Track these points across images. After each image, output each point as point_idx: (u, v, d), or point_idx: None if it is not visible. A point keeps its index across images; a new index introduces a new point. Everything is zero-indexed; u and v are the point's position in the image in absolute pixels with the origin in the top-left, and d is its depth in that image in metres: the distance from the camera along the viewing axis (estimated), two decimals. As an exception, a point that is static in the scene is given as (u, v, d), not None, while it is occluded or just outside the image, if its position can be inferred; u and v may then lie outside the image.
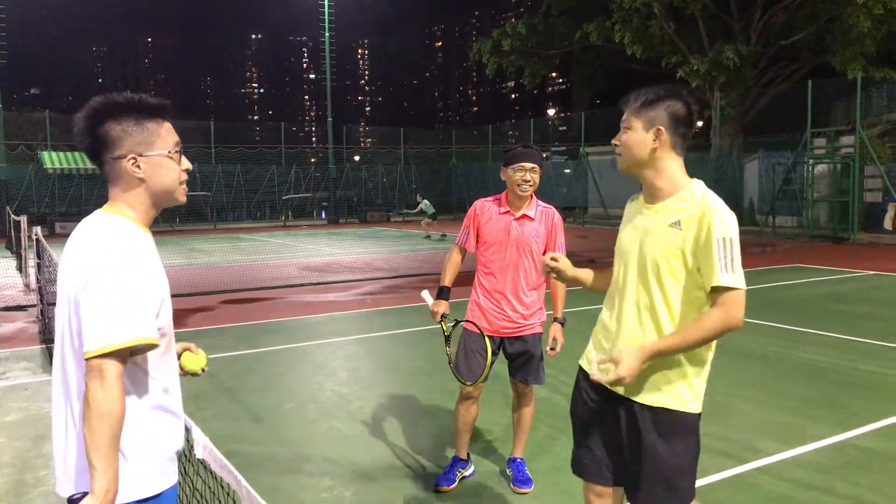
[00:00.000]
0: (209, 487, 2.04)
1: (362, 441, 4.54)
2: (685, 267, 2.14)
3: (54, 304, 6.90)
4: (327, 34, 34.54)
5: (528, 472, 3.86)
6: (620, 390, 2.23)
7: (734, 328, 2.08)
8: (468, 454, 3.94)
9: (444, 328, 3.70)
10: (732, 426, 4.69)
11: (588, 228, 25.47)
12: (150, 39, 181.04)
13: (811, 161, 21.27)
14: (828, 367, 6.24)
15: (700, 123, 40.58)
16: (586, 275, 2.56)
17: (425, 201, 23.11)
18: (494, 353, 3.78)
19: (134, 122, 1.77)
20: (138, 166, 1.76)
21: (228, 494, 1.78)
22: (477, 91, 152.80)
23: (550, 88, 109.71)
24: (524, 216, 3.69)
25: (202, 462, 1.84)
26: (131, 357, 1.65)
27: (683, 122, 2.23)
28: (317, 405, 5.30)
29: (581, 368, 2.46)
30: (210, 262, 15.49)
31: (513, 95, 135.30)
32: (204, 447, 1.80)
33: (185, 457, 2.18)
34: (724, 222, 2.09)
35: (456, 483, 3.80)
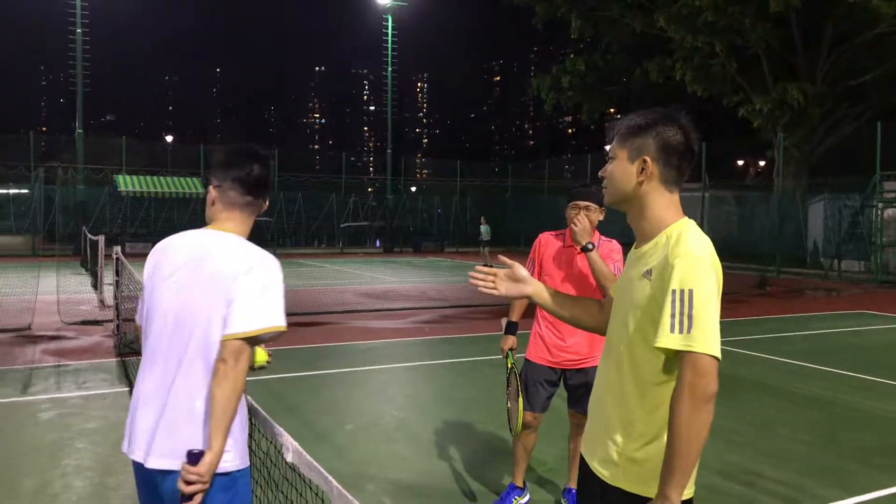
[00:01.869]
0: (296, 489, 2.21)
1: (421, 464, 4.67)
2: (653, 326, 1.74)
3: (130, 319, 7.27)
4: (390, 68, 35.49)
5: None
6: (592, 464, 1.91)
7: (707, 398, 1.63)
8: (524, 482, 4.03)
9: (508, 363, 3.85)
10: (792, 471, 4.64)
11: (644, 266, 25.18)
12: (218, 70, 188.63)
13: (880, 204, 20.65)
14: (894, 418, 6.08)
15: (762, 163, 39.84)
16: (558, 296, 2.18)
17: (486, 226, 23.50)
18: (555, 385, 3.90)
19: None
20: (266, 203, 2.26)
21: (317, 495, 1.95)
22: (534, 125, 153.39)
23: (609, 124, 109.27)
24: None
25: (291, 466, 2.02)
26: (258, 344, 2.05)
27: (677, 151, 1.86)
28: (377, 427, 5.46)
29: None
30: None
31: (570, 130, 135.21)
32: (294, 451, 1.98)
33: (273, 462, 2.37)
34: (690, 270, 1.70)
35: (511, 510, 3.89)
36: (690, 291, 1.68)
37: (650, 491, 1.72)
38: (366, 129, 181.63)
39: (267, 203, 2.24)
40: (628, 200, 1.91)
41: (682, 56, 26.17)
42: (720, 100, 27.23)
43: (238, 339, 1.92)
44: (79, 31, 27.95)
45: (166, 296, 2.07)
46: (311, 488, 2.00)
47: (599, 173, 2.00)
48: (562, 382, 3.90)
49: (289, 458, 2.00)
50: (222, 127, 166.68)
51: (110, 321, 9.66)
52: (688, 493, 1.77)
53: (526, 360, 3.92)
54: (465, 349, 8.91)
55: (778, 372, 7.86)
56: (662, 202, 1.88)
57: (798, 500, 4.15)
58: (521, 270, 2.11)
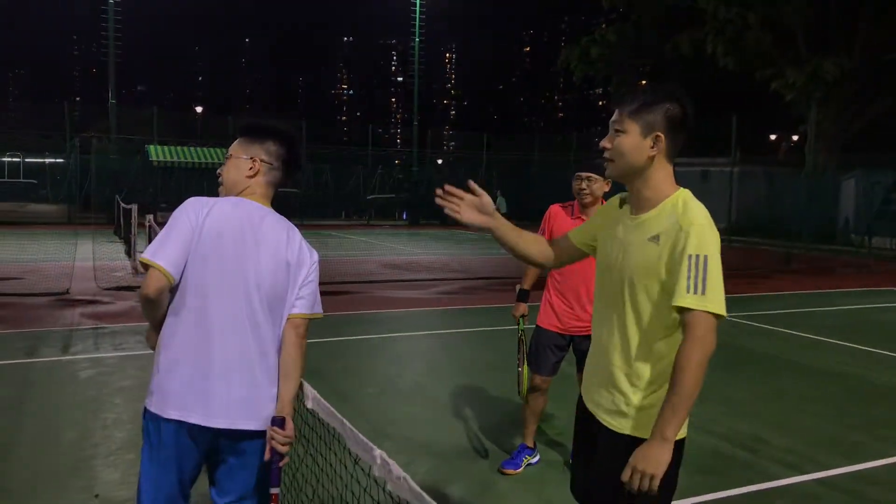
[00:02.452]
0: (316, 433, 2.43)
1: (436, 425, 4.90)
2: (660, 285, 1.93)
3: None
4: (417, 39, 35.35)
5: None
6: (616, 426, 2.03)
7: (710, 351, 1.85)
8: (535, 443, 4.23)
9: (520, 328, 4.05)
10: (797, 439, 4.78)
11: (670, 241, 25.04)
12: (247, 40, 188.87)
13: (913, 181, 20.28)
14: (906, 391, 6.15)
15: (795, 138, 39.11)
16: (512, 231, 2.28)
17: (501, 198, 23.54)
18: (564, 350, 4.08)
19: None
20: None
21: (334, 437, 2.15)
22: (563, 97, 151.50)
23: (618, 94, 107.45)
24: (596, 223, 3.94)
25: (311, 412, 2.23)
26: None
27: (681, 127, 2.01)
28: (396, 391, 5.70)
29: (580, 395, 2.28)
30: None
31: (600, 102, 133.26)
32: (313, 399, 2.19)
33: (295, 410, 2.59)
34: (703, 237, 1.88)
35: (521, 468, 4.10)
36: (705, 257, 1.86)
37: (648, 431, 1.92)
38: (393, 100, 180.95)
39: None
40: (637, 173, 2.02)
41: (713, 28, 25.71)
42: (752, 73, 26.74)
43: (310, 318, 2.27)
44: (111, 1, 28.26)
45: (250, 268, 2.15)
46: (328, 431, 2.20)
47: (602, 144, 2.08)
48: (571, 348, 4.07)
49: (309, 404, 2.21)
50: (251, 97, 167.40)
51: (144, 287, 10.02)
52: (683, 433, 1.97)
53: (536, 325, 4.10)
54: (483, 319, 9.11)
55: (795, 346, 7.94)
56: (664, 174, 2.03)
57: (799, 465, 4.30)
58: (488, 203, 2.19)
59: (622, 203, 2.14)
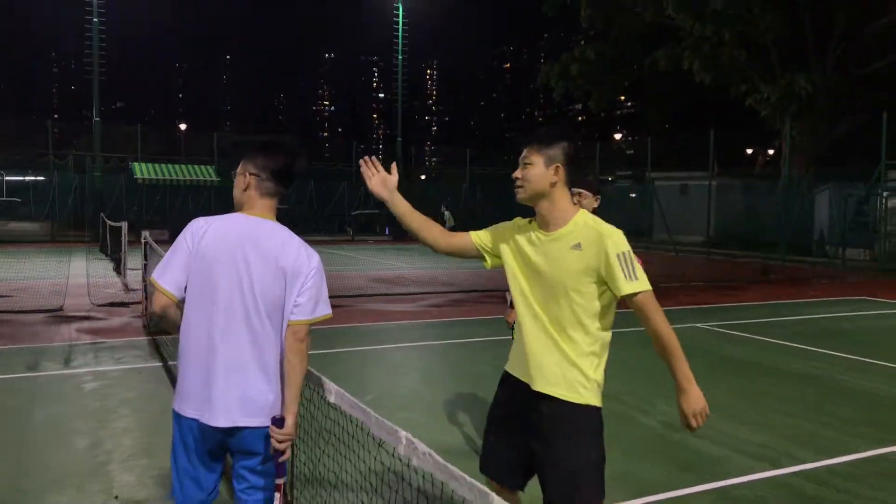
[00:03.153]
0: (338, 424, 2.67)
1: (435, 429, 5.13)
2: (590, 281, 2.42)
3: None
4: (400, 57, 35.76)
5: None
6: (557, 393, 2.43)
7: (664, 316, 2.44)
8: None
9: (514, 334, 4.30)
10: (771, 436, 5.07)
11: (652, 254, 25.49)
12: (228, 57, 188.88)
13: (885, 193, 20.90)
14: (881, 394, 6.47)
15: (771, 151, 39.96)
16: (412, 210, 2.77)
17: (447, 212, 23.84)
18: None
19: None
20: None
21: (357, 426, 2.39)
22: (544, 113, 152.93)
23: (619, 111, 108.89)
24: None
25: (333, 406, 2.46)
26: None
27: (574, 160, 2.54)
28: (393, 398, 5.92)
29: (505, 373, 2.71)
30: (286, 270, 16.45)
31: (580, 118, 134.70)
32: (336, 393, 2.43)
33: (313, 403, 2.83)
34: (619, 240, 2.42)
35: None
36: (627, 252, 2.42)
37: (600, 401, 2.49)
38: (375, 116, 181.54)
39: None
40: (542, 196, 2.52)
41: (690, 45, 26.36)
42: (728, 89, 27.42)
43: (310, 323, 2.43)
44: (95, 20, 28.35)
45: (244, 279, 2.38)
46: (351, 421, 2.44)
47: (514, 175, 2.58)
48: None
49: (331, 399, 2.45)
50: (232, 114, 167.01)
51: (137, 303, 10.17)
52: (600, 402, 2.51)
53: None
54: (475, 330, 9.36)
55: (771, 352, 8.27)
56: (566, 197, 2.55)
57: (773, 459, 4.58)
58: (394, 182, 2.73)
59: (528, 225, 2.62)
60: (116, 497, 3.80)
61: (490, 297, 12.25)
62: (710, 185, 26.38)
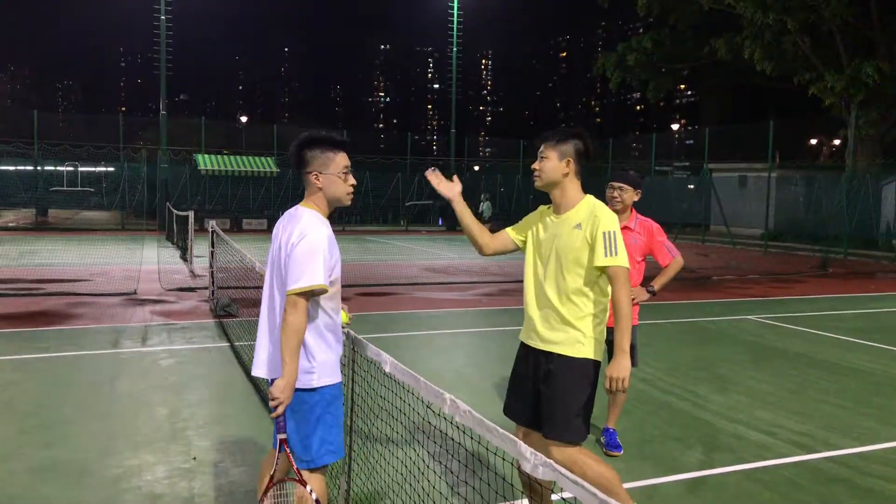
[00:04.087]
0: (392, 391, 3.01)
1: (480, 408, 5.39)
2: (587, 254, 2.95)
3: (224, 287, 8.27)
4: (455, 48, 36.00)
5: (618, 440, 4.61)
6: (556, 349, 2.99)
7: (630, 293, 2.93)
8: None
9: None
10: (812, 425, 5.20)
11: (709, 246, 25.18)
12: (286, 49, 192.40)
13: (955, 185, 20.13)
14: (925, 386, 6.47)
15: (837, 142, 38.65)
16: (472, 219, 3.32)
17: (487, 203, 23.86)
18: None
19: (320, 151, 2.82)
20: (318, 180, 2.82)
21: (409, 392, 2.71)
22: (601, 102, 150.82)
23: (678, 101, 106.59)
24: (625, 227, 4.46)
25: (388, 375, 2.79)
26: (314, 296, 2.71)
27: (584, 155, 3.07)
28: (440, 380, 6.23)
29: (521, 342, 3.23)
30: (345, 259, 16.98)
31: (638, 107, 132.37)
32: (390, 364, 2.75)
33: (370, 374, 3.17)
34: (608, 221, 2.93)
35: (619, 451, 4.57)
36: (613, 232, 2.93)
37: (600, 354, 3.00)
38: (429, 107, 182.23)
39: (332, 180, 2.79)
40: (555, 185, 3.07)
41: (751, 33, 25.79)
42: (790, 77, 26.72)
43: (290, 293, 2.61)
44: (163, 17, 29.52)
45: (272, 258, 2.82)
46: (404, 388, 2.77)
47: (533, 166, 3.13)
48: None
49: (387, 369, 2.78)
50: (290, 106, 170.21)
51: (204, 288, 10.79)
52: (590, 354, 2.99)
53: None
54: (522, 318, 9.61)
55: (822, 345, 8.27)
56: (575, 186, 3.09)
57: (810, 446, 4.73)
58: (458, 188, 3.35)
59: (546, 210, 3.19)
60: (195, 458, 4.23)
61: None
62: (770, 176, 25.83)
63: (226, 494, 3.75)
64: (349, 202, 2.90)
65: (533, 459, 1.77)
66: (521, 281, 3.34)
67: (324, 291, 2.68)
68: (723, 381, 6.42)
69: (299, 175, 2.88)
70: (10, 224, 27.76)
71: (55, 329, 8.02)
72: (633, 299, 4.33)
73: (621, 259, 2.91)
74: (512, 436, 1.90)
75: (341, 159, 2.83)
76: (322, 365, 2.76)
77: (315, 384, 2.73)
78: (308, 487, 2.67)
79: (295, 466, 2.70)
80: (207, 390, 5.76)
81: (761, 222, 25.85)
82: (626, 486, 3.25)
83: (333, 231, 2.85)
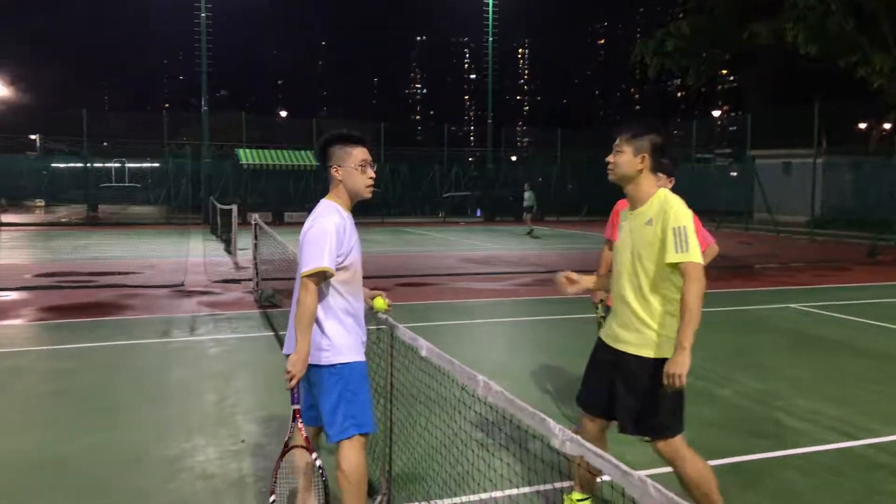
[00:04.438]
0: (428, 374, 3.14)
1: (519, 395, 5.51)
2: (659, 250, 2.92)
3: (268, 279, 8.51)
4: (490, 38, 35.89)
5: None
6: (630, 349, 2.98)
7: (703, 287, 2.83)
8: (605, 409, 4.80)
9: (599, 312, 4.63)
10: (851, 412, 5.16)
11: (752, 234, 24.75)
12: (323, 42, 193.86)
13: None
14: (973, 374, 6.34)
15: (888, 126, 37.43)
16: (588, 280, 3.46)
17: (530, 192, 23.78)
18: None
19: (339, 146, 3.03)
20: (338, 173, 3.01)
21: (445, 375, 2.84)
22: (640, 89, 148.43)
23: (720, 86, 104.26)
24: (659, 215, 4.50)
25: (425, 359, 2.92)
26: (325, 279, 2.90)
27: (661, 150, 3.05)
28: (481, 367, 6.29)
29: (599, 337, 3.27)
30: (384, 250, 17.28)
31: (678, 93, 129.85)
32: (427, 349, 2.87)
33: (408, 358, 3.30)
34: (678, 215, 2.88)
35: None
36: (684, 227, 2.88)
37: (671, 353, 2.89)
38: (466, 97, 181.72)
39: (350, 172, 2.98)
40: (629, 180, 3.07)
41: (794, 16, 25.15)
42: (836, 60, 25.99)
43: (303, 276, 2.83)
44: (203, 14, 30.10)
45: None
46: (440, 371, 2.89)
47: (608, 159, 3.12)
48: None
49: (423, 353, 2.90)
50: (328, 99, 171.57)
51: (248, 280, 11.09)
52: (667, 353, 2.91)
53: (606, 305, 4.67)
54: (561, 308, 9.66)
55: (864, 333, 8.14)
56: (649, 181, 3.06)
57: (849, 432, 4.71)
58: (584, 283, 3.40)
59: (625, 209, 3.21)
60: (243, 441, 4.43)
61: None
62: (815, 162, 25.21)
63: (272, 475, 3.93)
64: (369, 194, 3.08)
65: (561, 435, 1.86)
66: (557, 271, 3.43)
67: (328, 275, 2.87)
68: (762, 368, 6.39)
69: (322, 165, 3.09)
70: (63, 219, 28.73)
71: (109, 319, 8.37)
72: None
73: (692, 254, 2.84)
74: (541, 414, 1.99)
75: (359, 153, 3.02)
76: (337, 344, 2.94)
77: (331, 361, 2.92)
78: (314, 455, 2.93)
79: (304, 435, 2.94)
80: (253, 378, 5.98)
81: (807, 209, 25.27)
82: (663, 471, 3.32)
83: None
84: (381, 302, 3.30)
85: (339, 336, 2.95)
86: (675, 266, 2.88)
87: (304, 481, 3.05)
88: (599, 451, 1.72)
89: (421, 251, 17.63)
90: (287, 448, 3.00)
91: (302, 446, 2.97)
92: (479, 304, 9.95)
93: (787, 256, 16.77)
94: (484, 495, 3.25)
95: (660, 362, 2.91)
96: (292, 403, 2.92)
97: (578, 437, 1.81)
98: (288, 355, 2.91)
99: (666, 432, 2.97)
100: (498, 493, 3.23)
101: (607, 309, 4.67)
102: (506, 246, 19.59)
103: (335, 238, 2.87)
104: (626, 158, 3.03)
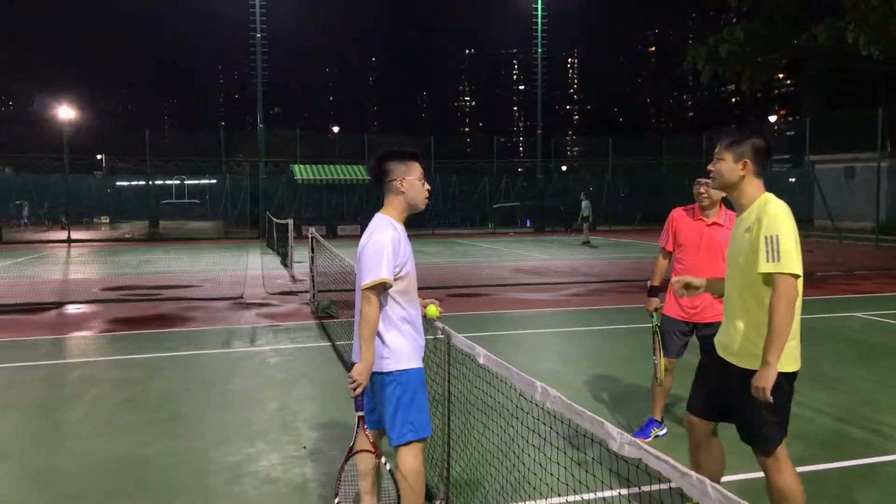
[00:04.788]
0: (485, 381, 3.21)
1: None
2: (754, 259, 2.81)
3: (325, 290, 8.74)
4: (539, 50, 35.90)
5: (651, 431, 4.64)
6: (733, 360, 2.95)
7: (793, 300, 2.72)
8: (662, 418, 4.78)
9: (654, 321, 4.62)
10: (922, 423, 5.00)
11: (812, 241, 23.98)
12: (373, 59, 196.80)
13: None
14: None
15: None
16: (704, 282, 3.38)
17: (586, 202, 23.59)
18: (688, 335, 4.62)
19: (400, 161, 3.19)
20: (402, 185, 3.14)
21: (502, 382, 2.90)
22: (693, 96, 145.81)
23: (776, 91, 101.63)
24: (714, 223, 4.48)
25: (483, 367, 2.99)
26: (385, 289, 3.01)
27: (764, 153, 2.95)
28: (534, 377, 6.37)
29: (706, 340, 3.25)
30: (436, 262, 17.43)
31: (733, 99, 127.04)
32: (484, 356, 2.94)
33: (465, 366, 3.38)
34: (772, 223, 2.76)
35: (651, 438, 4.66)
36: (777, 236, 2.75)
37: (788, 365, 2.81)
38: (515, 108, 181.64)
39: (413, 184, 3.12)
40: (732, 187, 3.00)
41: (856, 17, 24.42)
42: (899, 61, 25.11)
43: (364, 288, 2.97)
44: (258, 35, 31.00)
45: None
46: (498, 378, 2.96)
47: (709, 167, 3.10)
48: (694, 334, 4.60)
49: (480, 360, 2.97)
50: (378, 115, 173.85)
51: (305, 292, 11.35)
52: (796, 367, 2.92)
53: (664, 314, 4.67)
54: (614, 318, 9.60)
55: (935, 343, 7.84)
56: (753, 186, 2.97)
57: (916, 444, 4.57)
58: (696, 283, 3.34)
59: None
60: (304, 447, 4.57)
61: (630, 287, 12.36)
62: (880, 165, 24.34)
63: (333, 479, 4.03)
64: (424, 206, 3.26)
65: (619, 438, 1.91)
66: (609, 281, 3.45)
67: (387, 286, 2.99)
68: (826, 378, 6.23)
69: (379, 188, 3.22)
70: (127, 235, 29.87)
71: (173, 331, 8.70)
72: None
73: (785, 265, 2.71)
74: (600, 418, 2.04)
75: (418, 167, 3.20)
76: (396, 352, 3.05)
77: (391, 368, 3.03)
78: (382, 459, 3.07)
79: (370, 440, 3.08)
80: (313, 386, 6.15)
81: (871, 215, 24.39)
82: (725, 479, 3.30)
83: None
84: (433, 309, 3.41)
85: (399, 343, 3.06)
86: (769, 276, 2.78)
87: (368, 484, 3.19)
88: (657, 452, 1.76)
89: (472, 262, 17.71)
90: (352, 452, 3.13)
91: (367, 450, 3.10)
92: (532, 315, 9.96)
93: (851, 264, 16.23)
94: (541, 501, 3.29)
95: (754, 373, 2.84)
96: (357, 410, 3.05)
97: (637, 440, 1.86)
98: (353, 362, 3.04)
99: (768, 444, 2.92)
100: (556, 500, 3.27)
101: (662, 318, 4.68)
102: (556, 256, 19.50)
103: (391, 250, 2.99)
104: (727, 166, 2.96)
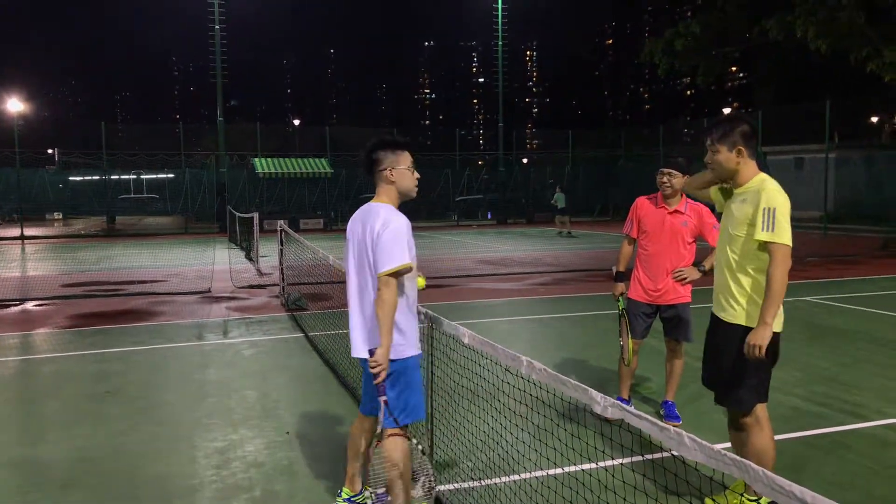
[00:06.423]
0: (471, 360, 3.39)
1: (543, 386, 5.76)
2: (747, 228, 3.17)
3: (294, 283, 8.81)
4: (500, 42, 36.15)
5: (677, 411, 4.89)
6: (717, 313, 3.35)
7: (787, 268, 3.06)
8: (629, 396, 5.04)
9: (620, 305, 4.86)
10: (866, 396, 5.37)
11: (763, 230, 24.75)
12: (332, 50, 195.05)
13: None
14: None
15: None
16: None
17: (560, 194, 24.06)
18: (652, 316, 4.88)
19: (390, 150, 3.29)
20: (392, 174, 3.25)
21: (487, 359, 3.08)
22: (649, 88, 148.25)
23: (730, 83, 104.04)
24: (676, 211, 4.74)
25: (468, 346, 3.17)
26: (400, 275, 3.11)
27: (752, 136, 3.25)
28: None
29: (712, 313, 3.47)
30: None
31: (688, 91, 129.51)
32: (469, 336, 3.12)
33: (450, 347, 3.55)
34: (769, 197, 3.09)
35: (618, 416, 4.91)
36: (774, 209, 3.08)
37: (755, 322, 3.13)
38: (475, 101, 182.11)
39: (403, 173, 3.22)
40: (731, 174, 3.28)
41: (803, 10, 25.21)
42: (846, 55, 26.02)
43: (384, 274, 3.02)
44: (217, 27, 30.57)
45: (360, 247, 3.20)
46: (483, 356, 3.14)
47: (706, 160, 3.33)
48: (658, 315, 4.86)
49: (465, 341, 3.15)
50: (338, 107, 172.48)
51: (273, 285, 11.39)
52: (779, 328, 3.20)
53: (629, 297, 4.92)
54: (578, 305, 9.90)
55: (880, 323, 8.32)
56: (750, 168, 3.27)
57: (864, 415, 4.92)
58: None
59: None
60: (287, 433, 4.70)
61: (594, 276, 12.70)
62: (828, 157, 25.27)
63: (318, 461, 4.20)
64: (415, 194, 3.36)
65: (602, 402, 2.11)
66: (573, 270, 3.67)
67: (410, 269, 3.10)
68: (781, 357, 6.57)
69: (370, 177, 3.31)
70: (82, 231, 29.23)
71: (144, 325, 8.69)
72: (685, 277, 4.66)
73: (779, 235, 3.05)
74: (583, 385, 2.24)
75: (407, 156, 3.30)
76: (410, 337, 3.17)
77: (406, 354, 3.15)
78: (413, 440, 3.19)
79: (399, 424, 3.11)
80: (290, 375, 6.26)
81: (819, 204, 25.34)
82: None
83: (385, 212, 3.21)
84: (421, 281, 3.51)
85: (409, 328, 3.19)
86: (763, 245, 3.10)
87: (403, 468, 3.13)
88: (637, 412, 1.97)
89: (436, 254, 17.88)
90: (379, 441, 3.15)
91: (399, 434, 3.12)
92: (498, 304, 10.19)
93: (800, 251, 16.88)
94: (525, 475, 3.50)
95: (736, 329, 3.22)
96: (379, 396, 3.07)
97: (618, 402, 2.06)
98: (369, 351, 3.05)
99: (745, 404, 3.23)
100: (538, 473, 3.47)
101: (628, 301, 4.93)
102: (520, 247, 19.82)
103: (407, 235, 3.12)
104: (724, 156, 3.23)
